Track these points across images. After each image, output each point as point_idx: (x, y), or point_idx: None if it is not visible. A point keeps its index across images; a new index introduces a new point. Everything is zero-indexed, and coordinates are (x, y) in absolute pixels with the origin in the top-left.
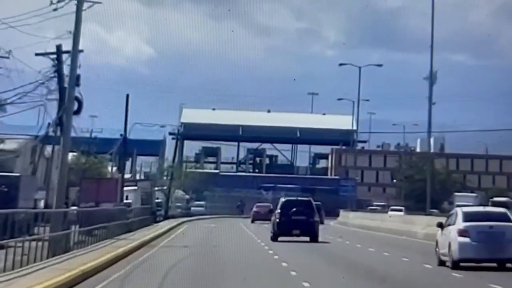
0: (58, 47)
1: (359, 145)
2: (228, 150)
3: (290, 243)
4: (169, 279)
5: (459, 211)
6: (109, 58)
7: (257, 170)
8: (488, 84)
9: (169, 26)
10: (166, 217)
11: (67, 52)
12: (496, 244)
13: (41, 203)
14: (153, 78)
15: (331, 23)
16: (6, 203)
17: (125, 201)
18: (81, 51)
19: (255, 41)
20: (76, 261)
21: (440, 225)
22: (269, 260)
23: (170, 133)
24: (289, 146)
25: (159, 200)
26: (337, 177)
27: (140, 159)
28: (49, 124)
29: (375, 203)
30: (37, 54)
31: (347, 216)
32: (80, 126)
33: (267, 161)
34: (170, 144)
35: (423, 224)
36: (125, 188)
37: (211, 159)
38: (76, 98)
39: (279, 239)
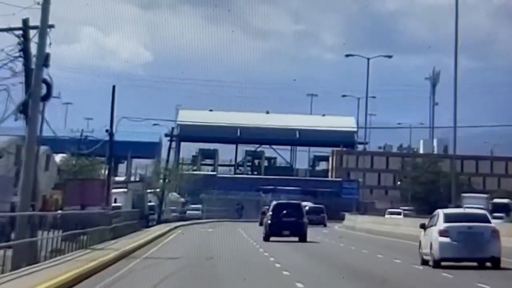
0: (25, 21)
1: (360, 147)
2: (225, 152)
3: (296, 253)
4: None
5: (441, 213)
6: (107, 60)
7: (255, 173)
8: (488, 84)
9: (167, 29)
10: (160, 222)
11: (35, 27)
12: (475, 244)
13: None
14: (150, 80)
15: (329, 25)
16: None
17: (113, 204)
18: (52, 26)
19: (253, 44)
20: (30, 279)
21: (423, 226)
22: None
23: (166, 135)
24: (288, 148)
25: (152, 203)
26: (339, 179)
27: (136, 161)
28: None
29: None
30: None
31: (355, 220)
32: (75, 127)
33: (265, 163)
34: (166, 146)
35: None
36: (114, 190)
37: (208, 161)
38: (44, 81)
39: (281, 243)
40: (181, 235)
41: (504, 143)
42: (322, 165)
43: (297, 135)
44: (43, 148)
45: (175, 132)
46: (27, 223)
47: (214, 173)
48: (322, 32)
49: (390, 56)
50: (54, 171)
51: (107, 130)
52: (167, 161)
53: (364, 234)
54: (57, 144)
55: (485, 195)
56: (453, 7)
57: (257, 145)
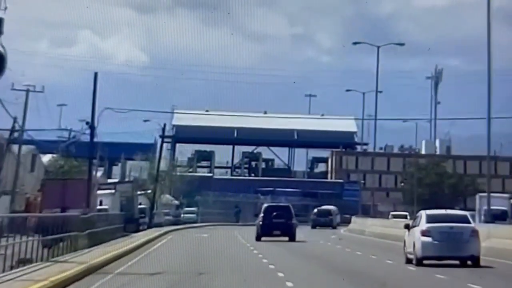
0: None
1: (359, 148)
2: (222, 154)
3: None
4: None
5: (423, 214)
6: (104, 63)
7: (252, 175)
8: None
9: (164, 31)
10: (151, 226)
11: None
12: (455, 243)
13: None
14: (147, 83)
15: (326, 28)
16: None
17: (99, 206)
18: None
19: (249, 47)
20: None
21: (407, 227)
22: None
23: (161, 136)
24: (286, 149)
25: (143, 206)
26: (340, 180)
27: (130, 163)
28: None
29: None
30: None
31: (364, 224)
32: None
33: (263, 165)
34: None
35: None
36: (99, 192)
37: (204, 163)
38: None
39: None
40: (170, 242)
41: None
42: (320, 167)
43: (295, 136)
44: (28, 148)
45: (171, 133)
46: None
47: (211, 174)
48: (320, 35)
49: (402, 44)
50: (40, 172)
51: (87, 123)
52: (159, 160)
53: (377, 240)
54: (45, 145)
55: (507, 195)
56: (449, 9)
57: (254, 147)
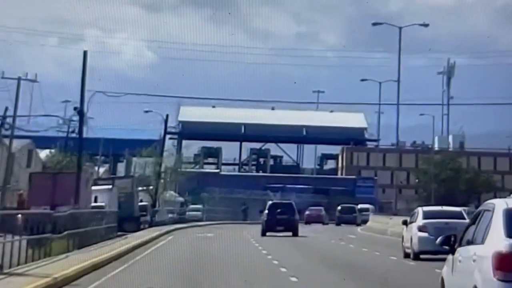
0: None
1: (369, 144)
2: (229, 151)
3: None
4: None
5: (420, 210)
6: (110, 61)
7: (260, 172)
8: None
9: (169, 30)
10: (152, 224)
11: None
12: None
13: None
14: (153, 81)
15: (331, 27)
16: None
17: (94, 203)
18: None
19: (255, 45)
20: None
21: (405, 223)
22: None
23: (167, 132)
24: (294, 146)
25: (144, 203)
26: (353, 176)
27: (136, 160)
28: None
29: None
30: None
31: (386, 223)
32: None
33: (271, 162)
34: (168, 144)
35: None
36: (95, 188)
37: (211, 160)
38: None
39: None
40: (169, 244)
41: None
42: (330, 164)
43: (304, 133)
44: (23, 142)
45: (177, 129)
46: None
47: (217, 170)
48: (325, 33)
49: (426, 25)
50: (38, 168)
51: (75, 108)
52: (162, 152)
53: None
54: (44, 140)
55: None
56: (451, 8)
57: (262, 143)
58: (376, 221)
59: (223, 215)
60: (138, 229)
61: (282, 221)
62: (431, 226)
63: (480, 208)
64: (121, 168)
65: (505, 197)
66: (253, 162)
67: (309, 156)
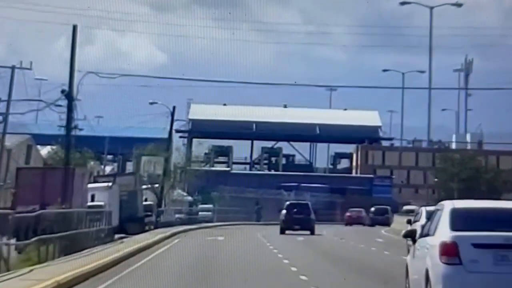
0: None
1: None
2: (240, 149)
3: None
4: None
5: (423, 210)
6: (120, 61)
7: (272, 171)
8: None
9: (180, 29)
10: (158, 225)
11: None
12: None
13: None
14: (164, 81)
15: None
16: None
17: (90, 202)
18: None
19: (265, 44)
20: None
21: (409, 222)
22: None
23: (177, 131)
24: (307, 145)
25: (149, 203)
26: (370, 175)
27: (145, 159)
28: None
29: None
30: None
31: (414, 224)
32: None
33: (283, 161)
34: (178, 142)
35: None
36: (93, 185)
37: (222, 159)
38: None
39: None
40: (172, 250)
41: None
42: (343, 163)
43: (317, 131)
44: (22, 137)
45: (187, 128)
46: None
47: (228, 169)
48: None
49: (459, 5)
50: (38, 165)
51: (63, 91)
52: (168, 147)
53: None
54: (46, 137)
55: None
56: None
57: (274, 142)
58: (400, 223)
59: (235, 215)
60: (143, 231)
61: (299, 220)
62: None
63: (435, 208)
64: (130, 167)
65: None
66: (265, 161)
67: (322, 155)
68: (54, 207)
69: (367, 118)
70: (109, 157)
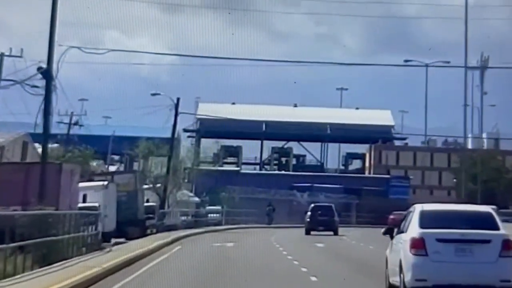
0: None
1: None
2: (250, 149)
3: None
4: None
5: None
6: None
7: (282, 172)
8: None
9: (189, 30)
10: (160, 229)
11: None
12: None
13: None
14: (172, 82)
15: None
16: None
17: (81, 203)
18: None
19: (274, 47)
20: None
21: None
22: None
23: (185, 130)
24: (317, 145)
25: (151, 204)
26: (387, 175)
27: (151, 159)
28: None
29: None
30: None
31: None
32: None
33: (293, 161)
34: (186, 142)
35: None
36: (85, 184)
37: (231, 159)
38: None
39: None
40: (170, 262)
41: None
42: (355, 164)
43: (328, 130)
44: (16, 134)
45: (194, 127)
46: None
47: (238, 168)
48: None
49: None
50: None
51: (39, 68)
52: (172, 140)
53: None
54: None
55: None
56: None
57: (284, 142)
58: None
59: (245, 217)
60: (143, 235)
61: (323, 221)
62: None
63: (409, 210)
64: (136, 167)
65: None
66: (275, 162)
67: (333, 156)
68: (32, 209)
69: (379, 117)
70: (116, 157)
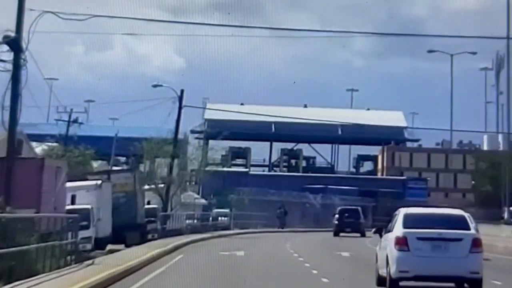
0: None
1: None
2: (258, 151)
3: None
4: None
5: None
6: (139, 66)
7: (293, 173)
8: None
9: (197, 34)
10: (162, 234)
11: None
12: None
13: None
14: (180, 85)
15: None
16: None
17: (70, 206)
18: None
19: (282, 49)
20: None
21: None
22: None
23: (192, 131)
24: (328, 147)
25: (152, 206)
26: (403, 177)
27: (158, 161)
28: None
29: None
30: None
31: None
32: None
33: (303, 163)
34: (193, 143)
35: None
36: (73, 184)
37: (239, 161)
38: None
39: None
40: (162, 281)
41: None
42: (366, 166)
43: (339, 132)
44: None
45: (202, 128)
46: None
47: (246, 170)
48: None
49: None
50: None
51: (5, 37)
52: (175, 136)
53: None
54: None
55: None
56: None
57: (294, 143)
58: None
59: (255, 221)
60: (144, 241)
61: (350, 224)
62: None
63: (395, 213)
64: (142, 169)
65: None
66: (284, 164)
67: (343, 158)
68: (28, 211)
69: (391, 118)
70: (122, 158)
